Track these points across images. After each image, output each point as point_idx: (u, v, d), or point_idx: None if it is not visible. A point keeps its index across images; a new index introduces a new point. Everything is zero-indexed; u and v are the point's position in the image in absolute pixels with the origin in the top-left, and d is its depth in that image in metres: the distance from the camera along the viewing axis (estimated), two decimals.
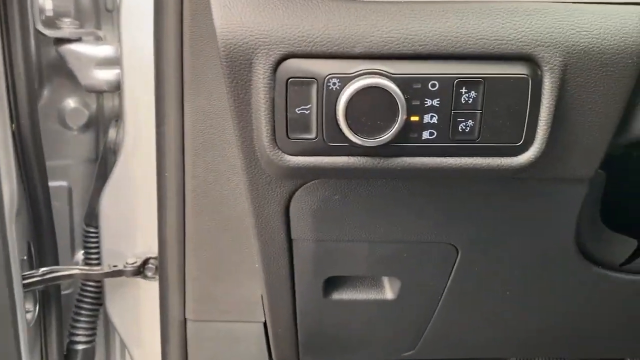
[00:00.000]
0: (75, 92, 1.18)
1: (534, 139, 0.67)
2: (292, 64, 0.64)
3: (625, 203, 0.94)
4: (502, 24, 0.64)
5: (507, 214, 0.81)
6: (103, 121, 1.23)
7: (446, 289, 0.89)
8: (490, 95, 0.64)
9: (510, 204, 0.80)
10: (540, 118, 0.66)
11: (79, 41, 1.10)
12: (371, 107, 0.63)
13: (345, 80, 0.63)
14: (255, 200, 0.77)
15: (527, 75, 0.64)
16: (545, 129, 0.66)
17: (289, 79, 0.64)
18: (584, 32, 0.64)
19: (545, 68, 0.64)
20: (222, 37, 0.63)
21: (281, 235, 0.81)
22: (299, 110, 0.65)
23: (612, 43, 0.65)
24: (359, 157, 0.67)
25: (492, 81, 0.64)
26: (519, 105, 0.65)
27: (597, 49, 0.65)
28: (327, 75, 0.63)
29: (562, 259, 0.86)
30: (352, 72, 0.63)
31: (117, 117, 1.21)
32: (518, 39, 0.64)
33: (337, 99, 0.63)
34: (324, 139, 0.66)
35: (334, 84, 0.63)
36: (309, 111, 0.65)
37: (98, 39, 1.13)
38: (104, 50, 1.10)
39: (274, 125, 0.65)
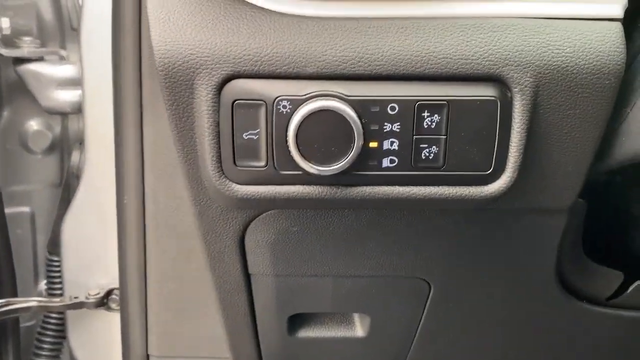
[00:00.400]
0: (39, 114, 1.16)
1: (504, 167, 0.62)
2: (238, 85, 0.59)
3: (609, 233, 0.89)
4: (467, 41, 0.59)
5: (481, 247, 0.75)
6: (67, 144, 1.19)
7: (420, 325, 0.83)
8: (455, 120, 0.59)
9: (484, 237, 0.74)
10: (510, 144, 0.61)
11: (40, 61, 1.06)
12: (325, 132, 0.58)
13: (296, 102, 0.58)
14: (206, 232, 0.72)
15: (495, 97, 0.59)
16: (516, 155, 0.61)
17: (234, 101, 0.59)
18: (557, 50, 0.59)
19: (515, 89, 0.60)
20: (160, 55, 0.58)
21: (237, 270, 0.76)
22: (246, 135, 0.60)
23: (587, 62, 0.59)
24: (313, 187, 0.62)
25: (456, 104, 0.59)
26: (487, 130, 0.60)
27: (571, 69, 0.60)
28: (276, 98, 0.59)
29: (543, 294, 0.80)
30: (303, 94, 0.59)
31: (82, 140, 1.16)
32: (484, 57, 0.59)
33: (287, 123, 0.59)
34: (274, 167, 0.61)
35: (284, 106, 0.59)
36: (257, 136, 0.60)
37: (61, 59, 1.10)
38: (66, 71, 1.07)
39: (219, 152, 0.61)
